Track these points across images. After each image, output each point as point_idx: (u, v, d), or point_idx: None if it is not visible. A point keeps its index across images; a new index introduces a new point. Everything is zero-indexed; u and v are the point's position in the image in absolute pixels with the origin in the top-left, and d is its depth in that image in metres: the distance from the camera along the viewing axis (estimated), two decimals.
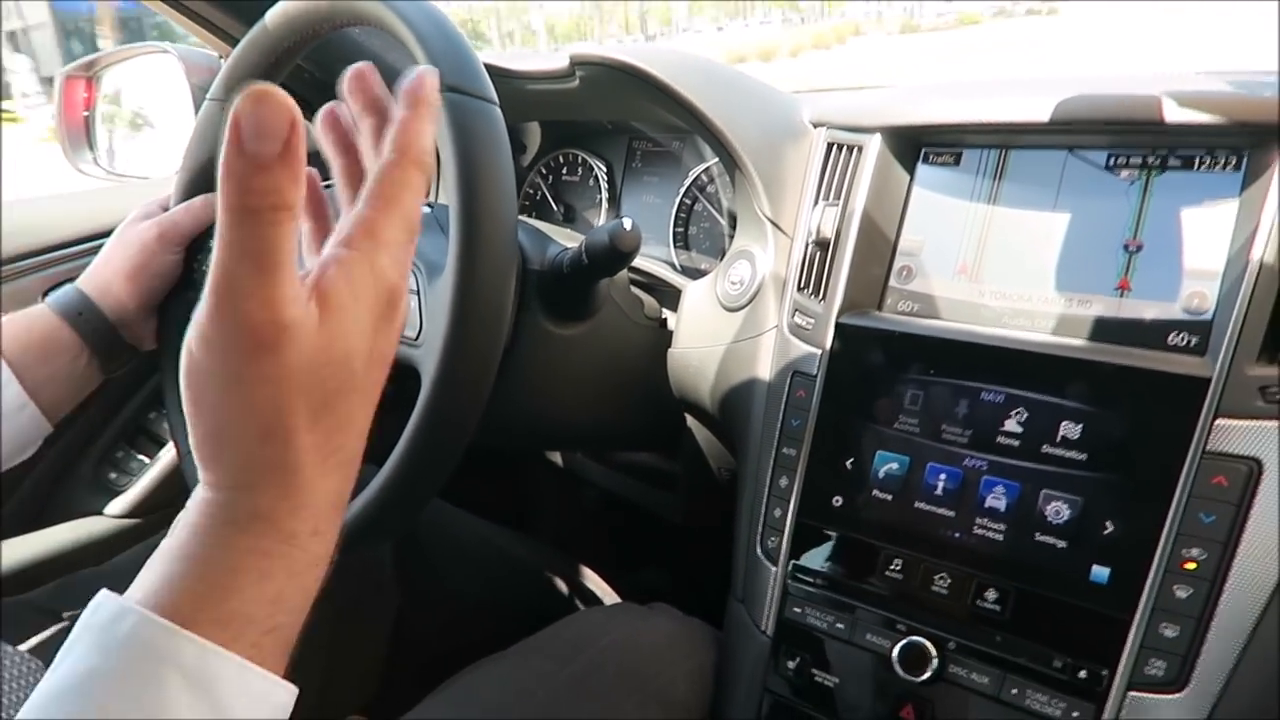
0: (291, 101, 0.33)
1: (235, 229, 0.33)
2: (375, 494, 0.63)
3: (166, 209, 0.83)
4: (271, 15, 0.75)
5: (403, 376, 0.66)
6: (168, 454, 1.11)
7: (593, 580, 1.30)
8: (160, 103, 1.29)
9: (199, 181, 0.84)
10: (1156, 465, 0.59)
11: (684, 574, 1.37)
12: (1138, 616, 0.58)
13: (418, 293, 0.67)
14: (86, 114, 1.32)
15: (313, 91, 1.16)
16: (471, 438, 0.64)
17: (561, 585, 1.25)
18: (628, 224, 0.71)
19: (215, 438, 0.36)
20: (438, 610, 1.10)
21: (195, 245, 0.82)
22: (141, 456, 1.11)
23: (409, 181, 0.41)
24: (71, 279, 0.84)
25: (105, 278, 0.79)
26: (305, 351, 0.36)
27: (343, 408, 0.38)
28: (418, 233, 0.42)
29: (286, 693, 0.37)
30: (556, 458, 1.22)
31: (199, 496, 0.37)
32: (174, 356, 0.82)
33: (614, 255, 0.72)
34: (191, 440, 0.37)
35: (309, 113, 1.21)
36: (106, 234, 1.04)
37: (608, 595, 1.29)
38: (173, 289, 0.81)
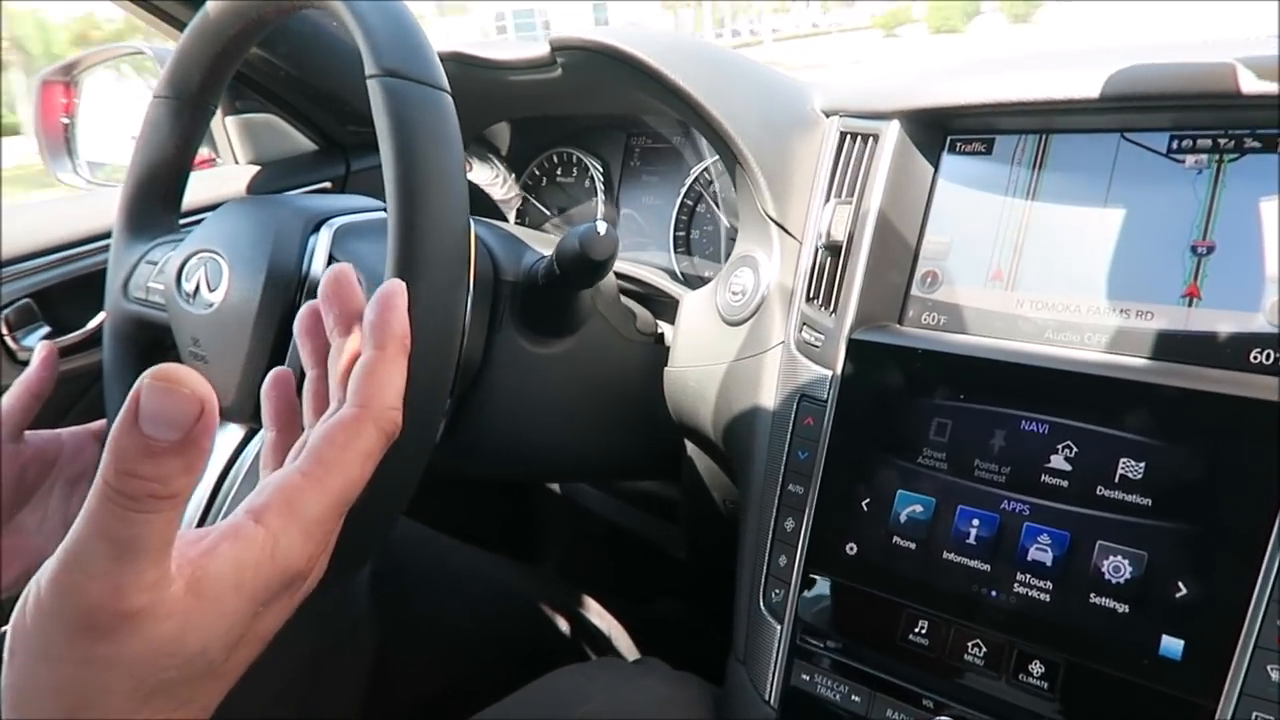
0: (207, 390, 0.29)
1: (102, 507, 0.29)
2: None
3: None
4: (211, 2, 0.67)
5: None
6: None
7: (596, 612, 1.20)
8: (140, 105, 1.22)
9: (145, 187, 0.77)
10: (1240, 513, 0.48)
11: (699, 604, 1.27)
12: (1222, 702, 0.47)
13: None
14: (66, 120, 1.26)
15: (292, 91, 1.08)
16: (419, 474, 0.56)
17: (561, 618, 1.16)
18: (601, 228, 0.62)
19: (20, 708, 0.31)
20: (421, 649, 1.02)
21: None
22: None
23: (362, 444, 0.37)
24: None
25: None
26: (149, 640, 0.31)
27: (184, 693, 0.33)
28: (350, 502, 0.37)
29: None
30: (553, 484, 1.13)
31: None
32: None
33: (587, 264, 0.63)
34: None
35: (293, 116, 1.13)
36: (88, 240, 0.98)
37: (612, 628, 1.19)
38: None
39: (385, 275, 0.52)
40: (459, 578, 1.11)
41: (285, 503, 0.34)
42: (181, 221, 0.80)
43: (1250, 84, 0.51)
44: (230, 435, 0.68)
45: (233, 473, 0.66)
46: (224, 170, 1.12)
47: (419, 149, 0.52)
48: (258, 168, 1.11)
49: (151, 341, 0.76)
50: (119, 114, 1.27)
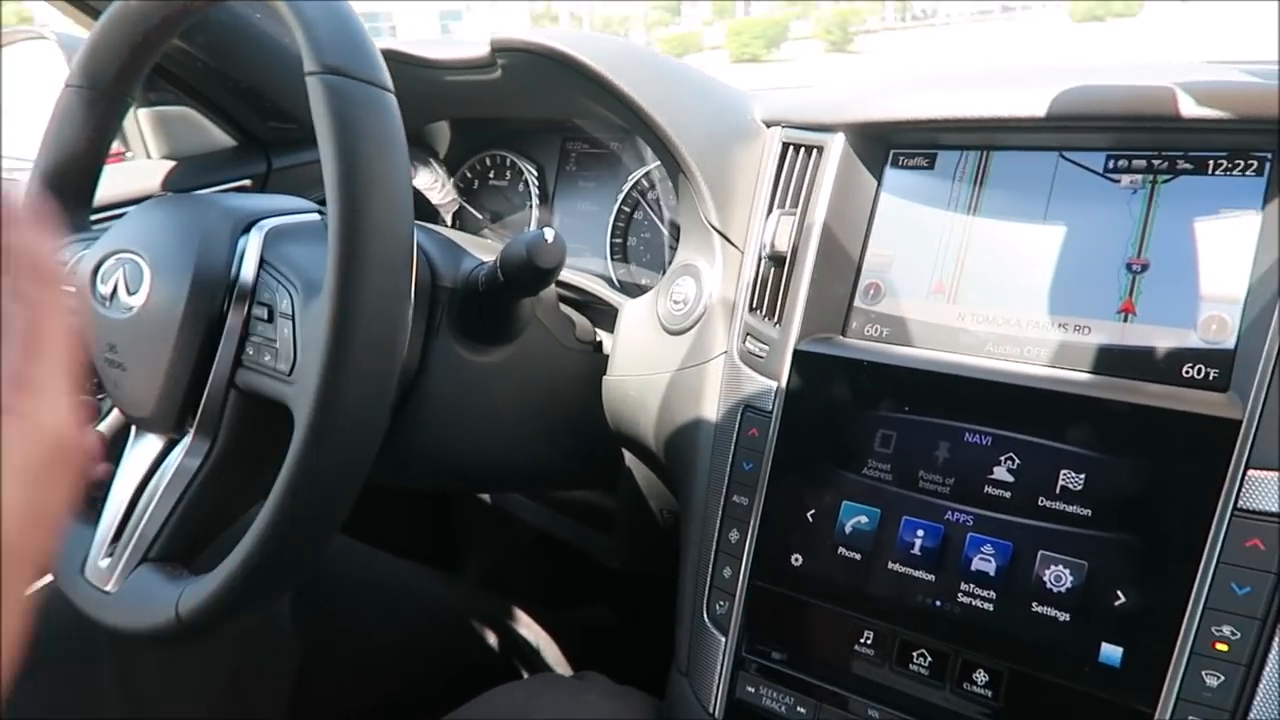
0: None
1: None
2: (237, 567, 0.52)
3: None
4: None
5: (277, 416, 0.54)
6: None
7: (525, 623, 1.18)
8: (40, 93, 1.15)
9: (54, 181, 0.72)
10: (1175, 524, 0.50)
11: (629, 611, 1.26)
12: (1160, 708, 0.48)
13: (291, 316, 0.55)
14: None
15: (210, 84, 1.04)
16: (356, 494, 0.53)
17: (488, 631, 1.14)
18: (549, 235, 0.61)
19: None
20: (346, 665, 0.98)
21: None
22: None
23: (49, 307, 0.33)
24: None
25: None
26: None
27: None
28: (80, 360, 0.34)
29: None
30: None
31: None
32: None
33: (533, 272, 0.61)
34: None
35: (210, 110, 1.08)
36: None
37: (540, 638, 1.17)
38: None
39: (326, 282, 0.50)
40: (381, 590, 1.08)
41: (13, 385, 0.31)
42: (93, 219, 0.76)
43: (1189, 109, 0.53)
44: (149, 446, 0.63)
45: (152, 484, 0.62)
46: (136, 165, 1.06)
47: (363, 151, 0.50)
48: (172, 163, 1.06)
49: None
50: (14, 101, 1.20)
